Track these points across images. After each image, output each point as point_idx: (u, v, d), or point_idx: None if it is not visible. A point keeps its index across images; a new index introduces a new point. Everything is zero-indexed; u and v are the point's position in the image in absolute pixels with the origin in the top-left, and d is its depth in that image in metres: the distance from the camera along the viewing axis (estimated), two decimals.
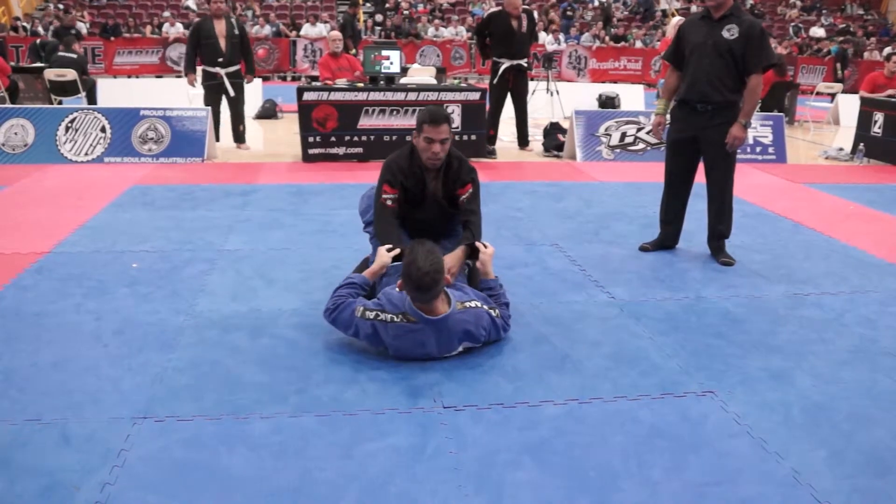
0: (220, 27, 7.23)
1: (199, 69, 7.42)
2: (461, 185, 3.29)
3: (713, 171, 4.19)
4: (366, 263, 3.42)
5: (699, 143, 4.15)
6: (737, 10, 3.98)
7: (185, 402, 2.49)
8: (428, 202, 3.32)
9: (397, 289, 2.81)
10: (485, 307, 2.90)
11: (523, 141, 8.08)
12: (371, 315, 2.75)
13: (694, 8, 18.32)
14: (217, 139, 7.55)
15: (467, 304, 2.84)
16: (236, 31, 7.31)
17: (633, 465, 2.21)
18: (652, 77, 16.32)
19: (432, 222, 3.38)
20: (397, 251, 3.09)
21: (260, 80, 7.84)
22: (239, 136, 7.64)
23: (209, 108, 7.15)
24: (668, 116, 4.33)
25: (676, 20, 9.37)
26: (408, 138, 3.38)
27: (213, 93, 7.35)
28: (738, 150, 4.14)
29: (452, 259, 3.11)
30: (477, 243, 3.18)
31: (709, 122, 4.06)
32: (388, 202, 3.24)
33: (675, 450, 2.29)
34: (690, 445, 2.32)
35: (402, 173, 3.25)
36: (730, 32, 3.93)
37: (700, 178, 4.29)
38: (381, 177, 3.29)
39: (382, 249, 3.13)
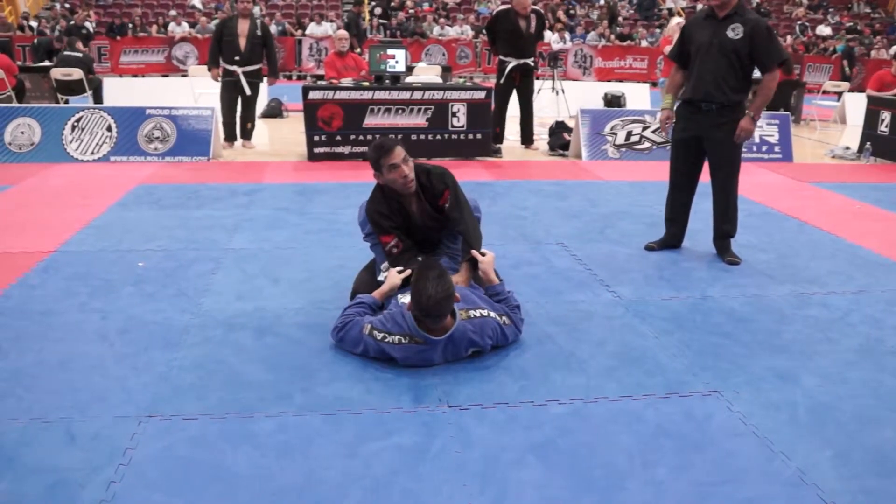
0: (242, 26, 7.28)
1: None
2: (440, 195, 3.21)
3: (718, 171, 4.18)
4: (372, 266, 3.42)
5: (704, 142, 4.14)
6: (741, 8, 3.95)
7: (190, 400, 2.50)
8: (417, 226, 3.27)
9: (406, 310, 2.77)
10: (492, 314, 2.88)
11: (527, 138, 8.06)
12: (379, 336, 2.76)
13: (699, 6, 18.25)
14: (234, 137, 7.57)
15: (472, 313, 2.82)
16: (258, 32, 7.34)
17: (638, 465, 2.20)
18: (657, 76, 16.28)
19: (429, 237, 3.34)
20: (408, 272, 3.06)
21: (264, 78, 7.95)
22: (246, 134, 7.68)
23: (214, 107, 7.17)
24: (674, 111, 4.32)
25: (677, 21, 9.34)
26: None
27: (229, 90, 7.38)
28: (744, 149, 4.13)
29: (459, 279, 3.09)
30: (474, 253, 3.14)
31: (713, 121, 4.04)
32: (395, 250, 3.19)
33: (681, 449, 2.29)
34: (696, 445, 2.32)
35: (386, 219, 3.18)
36: (734, 32, 3.91)
37: (705, 177, 4.28)
38: (374, 231, 3.22)
39: (393, 271, 3.12)
